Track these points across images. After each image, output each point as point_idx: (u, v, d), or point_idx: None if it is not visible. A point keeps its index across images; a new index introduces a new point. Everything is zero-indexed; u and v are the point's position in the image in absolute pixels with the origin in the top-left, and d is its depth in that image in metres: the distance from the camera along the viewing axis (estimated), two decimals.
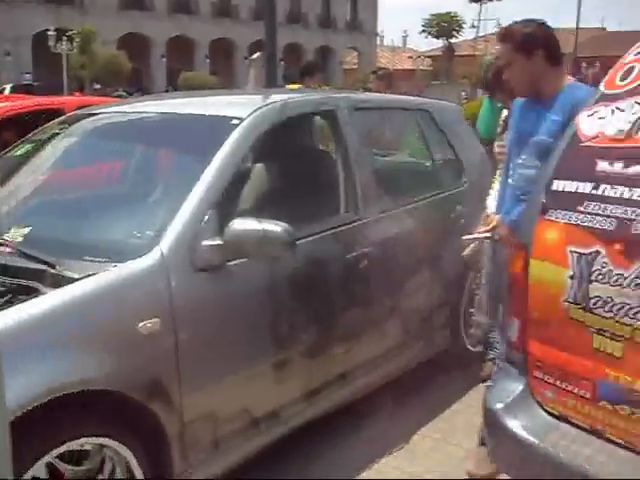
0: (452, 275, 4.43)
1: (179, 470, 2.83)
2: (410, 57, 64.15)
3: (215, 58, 53.38)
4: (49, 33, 37.93)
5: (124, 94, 30.01)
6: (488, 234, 3.51)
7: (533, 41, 3.20)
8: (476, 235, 3.62)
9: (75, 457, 2.57)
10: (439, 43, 66.42)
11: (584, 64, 41.31)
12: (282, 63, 31.22)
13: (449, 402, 4.26)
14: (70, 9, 43.97)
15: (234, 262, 2.98)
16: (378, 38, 68.56)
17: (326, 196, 3.75)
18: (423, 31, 66.02)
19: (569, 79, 3.36)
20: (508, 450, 2.59)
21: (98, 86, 35.36)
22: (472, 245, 3.83)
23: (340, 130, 3.82)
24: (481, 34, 64.42)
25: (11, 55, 43.82)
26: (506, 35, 3.30)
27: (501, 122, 4.30)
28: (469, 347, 4.68)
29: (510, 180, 3.39)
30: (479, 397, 2.98)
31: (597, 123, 2.51)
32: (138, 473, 2.71)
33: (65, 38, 37.60)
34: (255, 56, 9.14)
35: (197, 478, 2.92)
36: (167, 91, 39.19)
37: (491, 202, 3.77)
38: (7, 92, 27.03)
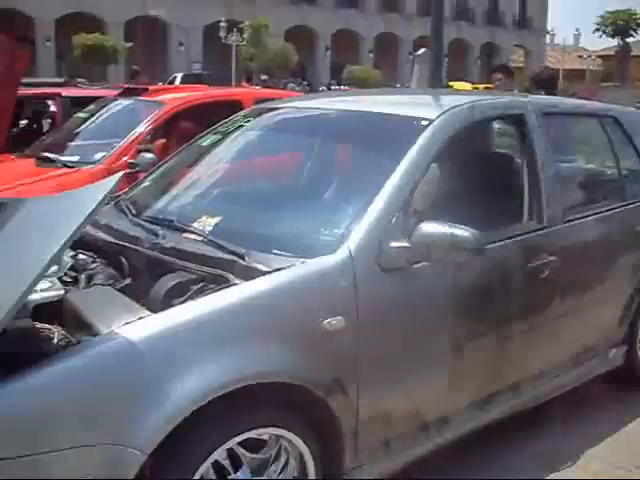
0: (631, 290, 4.24)
1: (349, 467, 2.85)
2: (580, 56, 61.84)
3: (379, 53, 53.41)
4: (221, 24, 39.19)
5: (296, 86, 30.74)
6: None
7: None
8: None
9: (254, 445, 2.63)
10: (614, 42, 63.24)
11: None
12: (447, 59, 30.76)
13: (622, 423, 4.09)
14: (240, 1, 45.13)
15: (417, 265, 2.97)
16: (548, 37, 66.30)
17: (510, 202, 3.66)
18: (597, 30, 63.15)
19: None
20: None
21: (265, 77, 36.11)
22: None
23: (528, 135, 3.70)
24: None
25: (183, 45, 45.68)
26: None
27: None
28: None
29: None
30: None
31: None
32: (310, 466, 2.75)
33: (235, 30, 38.72)
34: (421, 52, 9.09)
35: (365, 478, 2.94)
36: (330, 85, 39.68)
37: None
38: (178, 81, 28.25)
